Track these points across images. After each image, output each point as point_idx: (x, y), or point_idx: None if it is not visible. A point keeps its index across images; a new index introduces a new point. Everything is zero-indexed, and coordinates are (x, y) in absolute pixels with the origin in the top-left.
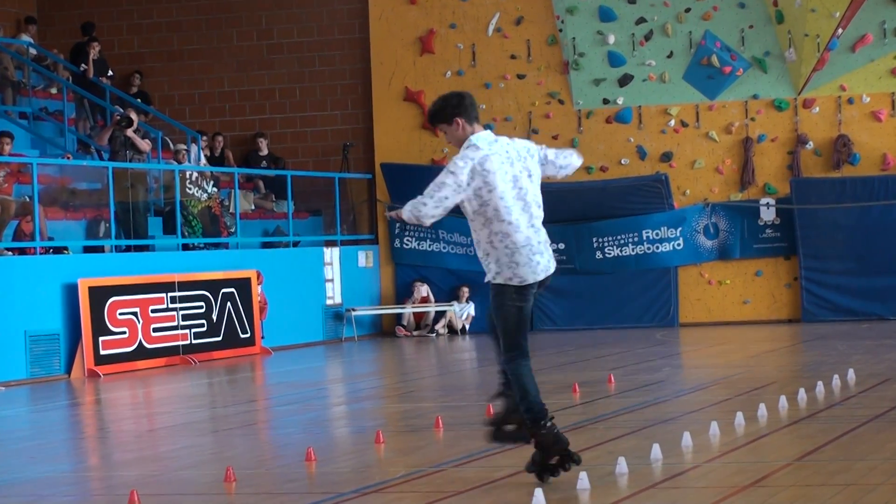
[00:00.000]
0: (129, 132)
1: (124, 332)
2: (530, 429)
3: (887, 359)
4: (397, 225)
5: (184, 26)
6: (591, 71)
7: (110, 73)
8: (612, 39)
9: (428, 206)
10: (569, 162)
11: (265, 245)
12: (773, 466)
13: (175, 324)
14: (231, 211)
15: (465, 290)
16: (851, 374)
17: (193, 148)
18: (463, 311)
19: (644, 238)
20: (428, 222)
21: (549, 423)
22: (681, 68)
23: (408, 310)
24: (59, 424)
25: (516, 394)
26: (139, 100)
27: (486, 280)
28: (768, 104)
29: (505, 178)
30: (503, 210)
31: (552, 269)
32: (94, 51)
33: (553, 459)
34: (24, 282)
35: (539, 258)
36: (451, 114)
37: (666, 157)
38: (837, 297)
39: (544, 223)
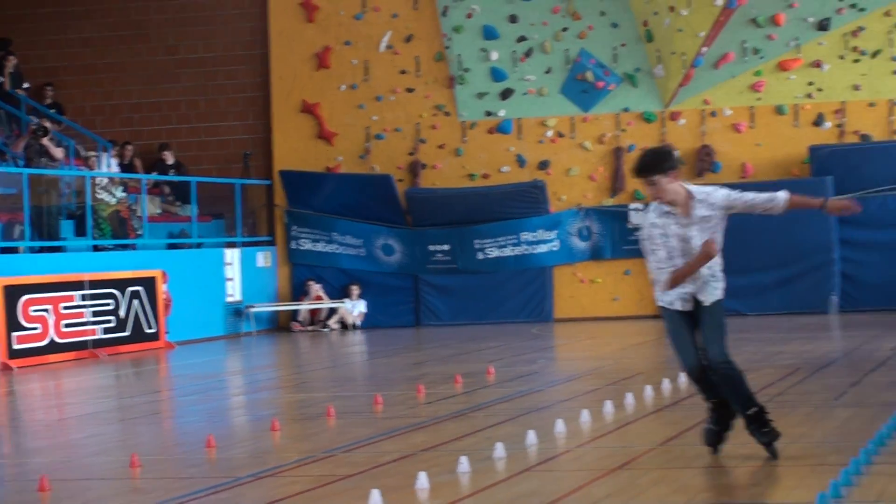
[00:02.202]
0: (44, 141)
1: (37, 328)
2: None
3: (745, 351)
4: (293, 227)
5: (96, 42)
6: (476, 85)
7: (26, 85)
8: (494, 56)
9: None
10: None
11: (170, 246)
12: (639, 450)
13: (85, 320)
14: (139, 214)
15: (356, 288)
16: None
17: (104, 156)
18: (355, 308)
19: (522, 240)
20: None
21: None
22: (558, 83)
23: (303, 307)
24: None
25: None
26: (53, 110)
27: (714, 300)
28: (638, 116)
29: None
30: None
31: None
32: (11, 64)
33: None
34: None
35: None
36: (661, 170)
37: (543, 165)
38: None
39: (432, 226)
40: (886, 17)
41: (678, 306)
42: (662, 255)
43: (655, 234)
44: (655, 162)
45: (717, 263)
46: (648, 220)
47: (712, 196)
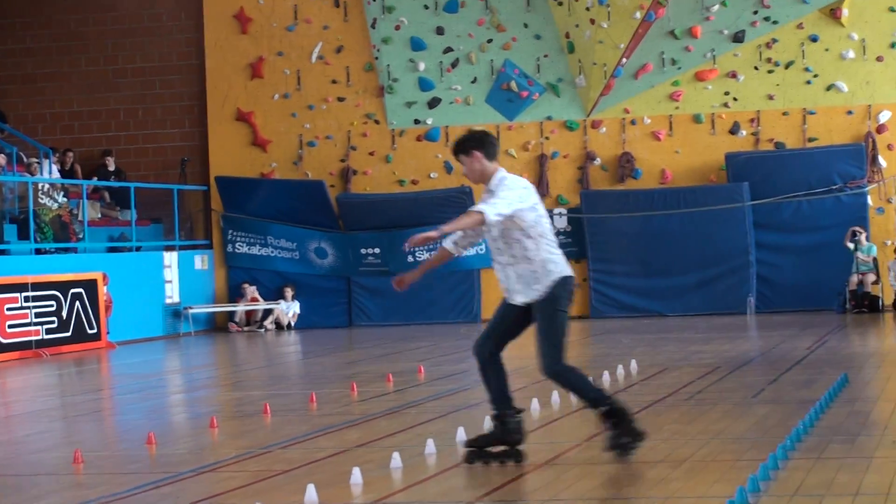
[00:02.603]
0: None
1: None
2: (610, 413)
3: (665, 350)
4: (230, 231)
5: (36, 52)
6: (404, 94)
7: None
8: (422, 66)
9: (500, 207)
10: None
11: (111, 250)
12: (565, 447)
13: (28, 321)
14: (80, 219)
15: (290, 290)
16: (634, 364)
17: (45, 162)
18: (289, 309)
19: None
20: (496, 220)
21: (516, 416)
22: (483, 92)
23: (240, 308)
24: None
25: (578, 389)
26: None
27: (529, 301)
28: (561, 125)
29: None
30: (548, 230)
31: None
32: None
33: (497, 448)
34: None
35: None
36: (469, 148)
37: None
38: (622, 296)
39: (363, 229)
40: (799, 30)
41: (506, 296)
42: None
43: None
44: (459, 143)
45: (539, 261)
46: None
47: (495, 190)
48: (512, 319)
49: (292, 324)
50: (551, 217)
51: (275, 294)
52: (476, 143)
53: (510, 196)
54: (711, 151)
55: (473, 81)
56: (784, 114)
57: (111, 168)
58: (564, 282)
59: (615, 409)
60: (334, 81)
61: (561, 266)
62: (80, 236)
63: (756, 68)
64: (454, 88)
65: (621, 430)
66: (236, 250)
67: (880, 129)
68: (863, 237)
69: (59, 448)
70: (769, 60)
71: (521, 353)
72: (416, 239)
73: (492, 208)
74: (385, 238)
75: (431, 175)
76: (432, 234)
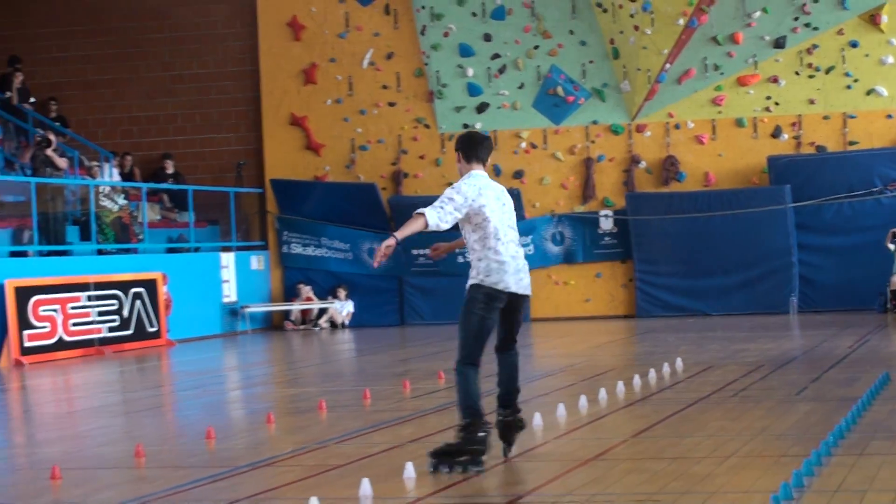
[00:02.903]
0: (49, 151)
1: (46, 327)
2: (461, 427)
3: (710, 349)
4: (284, 232)
5: (97, 59)
6: (453, 99)
7: (32, 99)
8: (470, 72)
9: (445, 213)
10: None
11: (170, 250)
12: (612, 442)
13: (91, 319)
14: (140, 221)
15: (342, 290)
16: (679, 362)
17: (106, 166)
18: (343, 308)
19: None
20: (444, 227)
21: (481, 434)
22: (530, 97)
23: (295, 307)
24: None
25: (458, 393)
26: (58, 123)
27: (468, 284)
28: (606, 129)
29: (497, 205)
30: (495, 233)
31: (527, 291)
32: (18, 80)
33: (463, 458)
34: None
35: (522, 276)
36: (456, 147)
37: (518, 174)
38: (667, 296)
39: None
40: (839, 36)
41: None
42: None
43: None
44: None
45: (475, 259)
46: None
47: (452, 189)
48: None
49: (346, 322)
50: (597, 219)
51: (328, 293)
52: (458, 145)
53: (457, 199)
54: (754, 155)
55: (521, 87)
56: (825, 118)
57: (170, 171)
58: (478, 288)
59: (470, 436)
60: (385, 87)
61: (489, 276)
62: (140, 237)
63: (797, 73)
64: (502, 93)
65: (461, 448)
66: (291, 251)
67: None
68: None
69: (120, 442)
70: (810, 66)
71: (569, 352)
72: (379, 252)
73: (434, 213)
74: (435, 239)
75: None
76: (390, 242)
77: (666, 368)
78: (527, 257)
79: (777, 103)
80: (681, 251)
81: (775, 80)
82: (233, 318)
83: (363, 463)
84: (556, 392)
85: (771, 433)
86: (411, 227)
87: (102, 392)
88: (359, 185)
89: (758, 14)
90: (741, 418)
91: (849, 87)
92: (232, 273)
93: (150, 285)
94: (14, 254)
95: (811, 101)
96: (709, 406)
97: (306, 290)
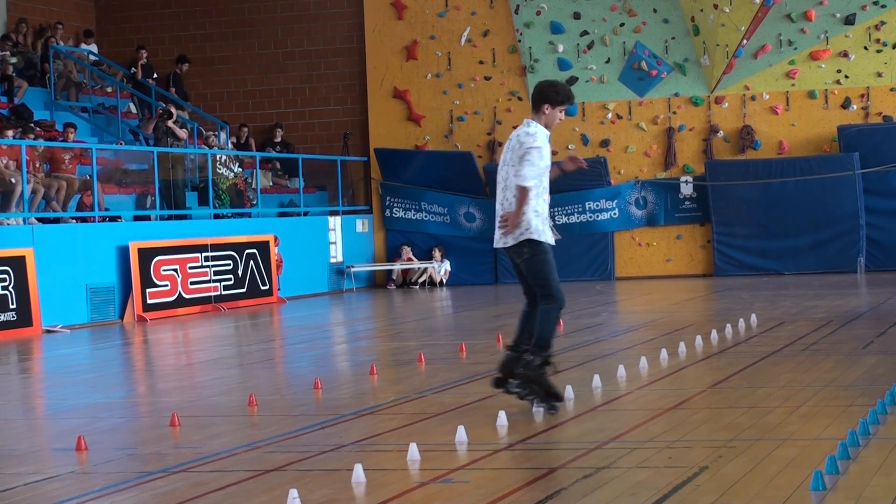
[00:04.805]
0: (170, 123)
1: (167, 285)
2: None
3: (782, 306)
4: (387, 198)
5: (214, 37)
6: (544, 74)
7: (155, 75)
8: (561, 48)
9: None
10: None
11: (281, 214)
12: (691, 392)
13: (208, 278)
14: (253, 187)
15: (438, 251)
16: (754, 318)
17: (222, 136)
18: (441, 268)
19: (587, 209)
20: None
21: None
22: (616, 71)
23: (396, 267)
24: (113, 360)
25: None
26: (178, 97)
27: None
28: (687, 100)
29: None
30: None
31: (496, 245)
32: (143, 57)
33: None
34: (86, 245)
35: (498, 232)
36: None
37: (604, 143)
38: (743, 256)
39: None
40: None
41: (552, 241)
42: (546, 182)
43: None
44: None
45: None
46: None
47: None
48: None
49: (444, 281)
50: (678, 185)
51: (427, 254)
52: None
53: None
54: (825, 124)
55: (607, 62)
56: (892, 90)
57: (278, 139)
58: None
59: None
60: (481, 62)
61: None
62: (254, 202)
63: (866, 48)
64: (590, 68)
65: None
66: (393, 215)
67: None
68: None
69: (235, 392)
70: (878, 41)
71: (651, 308)
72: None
73: (524, 181)
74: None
75: (569, 147)
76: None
77: (741, 324)
78: (612, 220)
79: (847, 76)
80: (756, 214)
81: (845, 54)
82: (339, 277)
83: (459, 411)
84: (639, 346)
85: (839, 384)
86: (521, 203)
87: (218, 346)
88: (456, 154)
89: None
90: (811, 370)
91: None
92: (338, 235)
93: (263, 247)
94: (138, 218)
95: (879, 74)
96: (781, 359)
97: (407, 251)
